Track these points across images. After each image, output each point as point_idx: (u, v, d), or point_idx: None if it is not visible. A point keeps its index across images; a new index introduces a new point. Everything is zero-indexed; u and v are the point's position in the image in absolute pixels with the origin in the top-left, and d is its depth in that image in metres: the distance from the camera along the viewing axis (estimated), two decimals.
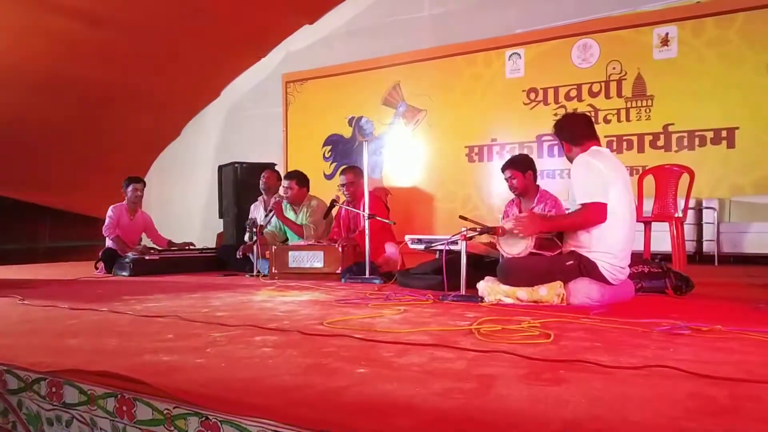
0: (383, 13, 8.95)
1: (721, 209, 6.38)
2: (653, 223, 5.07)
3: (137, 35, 8.23)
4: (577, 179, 3.22)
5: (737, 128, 6.46)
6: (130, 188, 6.03)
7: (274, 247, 4.89)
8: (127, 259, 5.42)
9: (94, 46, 8.08)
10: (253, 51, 10.11)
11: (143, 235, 6.35)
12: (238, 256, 5.52)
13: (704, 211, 6.37)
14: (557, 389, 1.52)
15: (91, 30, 7.77)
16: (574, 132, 3.39)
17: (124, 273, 5.38)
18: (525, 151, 7.32)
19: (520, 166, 4.30)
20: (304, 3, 9.15)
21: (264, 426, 1.33)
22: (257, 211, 5.94)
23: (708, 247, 6.31)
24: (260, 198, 6.00)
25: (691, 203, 5.72)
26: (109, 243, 5.94)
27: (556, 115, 6.97)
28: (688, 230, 6.09)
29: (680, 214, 4.99)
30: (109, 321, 2.73)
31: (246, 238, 5.45)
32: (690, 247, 6.10)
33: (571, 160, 3.42)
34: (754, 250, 6.08)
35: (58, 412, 1.72)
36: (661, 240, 5.12)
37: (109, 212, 5.98)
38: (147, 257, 5.52)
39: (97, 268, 5.94)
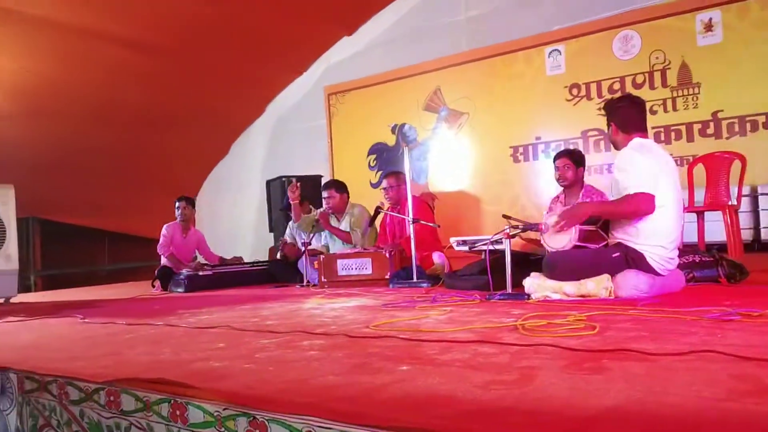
0: (420, 20, 8.99)
1: None
2: (706, 213, 4.95)
3: (182, 59, 8.46)
4: (623, 173, 3.18)
5: None
6: (176, 207, 6.23)
7: (322, 257, 4.97)
8: (181, 276, 5.58)
9: (142, 72, 8.35)
10: (294, 66, 10.27)
11: (196, 252, 6.52)
12: (278, 257, 5.65)
13: (760, 197, 6.17)
14: (599, 377, 1.52)
15: (138, 57, 8.03)
16: (627, 119, 3.34)
17: (179, 289, 5.54)
18: (570, 148, 7.24)
19: (576, 158, 4.30)
20: (341, 15, 9.26)
21: (309, 423, 1.37)
22: (290, 230, 6.10)
23: (766, 234, 6.11)
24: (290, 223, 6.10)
25: (746, 190, 5.55)
26: (164, 261, 6.12)
27: (599, 110, 6.87)
28: (744, 218, 5.90)
29: (734, 202, 4.86)
30: (163, 334, 2.82)
31: (278, 256, 5.59)
32: (747, 235, 5.92)
33: (615, 143, 3.40)
34: None
35: (117, 420, 1.80)
36: (716, 229, 4.99)
37: (163, 231, 6.17)
38: (201, 273, 5.67)
39: (153, 286, 6.13)
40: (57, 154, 8.88)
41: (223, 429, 1.53)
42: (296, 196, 5.37)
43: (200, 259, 6.55)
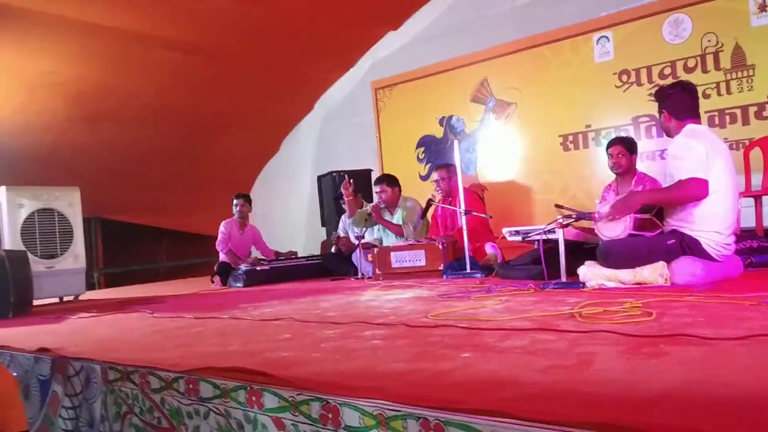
0: (465, 11, 8.99)
1: None
2: (764, 197, 4.86)
3: (232, 61, 8.66)
4: (676, 159, 3.18)
5: None
6: (234, 204, 6.42)
7: (376, 250, 5.07)
8: (240, 271, 5.76)
9: (194, 75, 8.58)
10: (341, 62, 10.38)
11: (253, 248, 6.70)
12: (333, 251, 5.77)
13: None
14: (657, 361, 1.57)
15: (191, 60, 8.25)
16: (679, 105, 3.33)
17: (238, 284, 5.72)
18: (621, 135, 7.16)
19: (629, 145, 4.30)
20: (387, 11, 9.32)
21: (379, 405, 1.45)
22: (343, 224, 6.22)
23: None
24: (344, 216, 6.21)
25: None
26: (222, 257, 6.32)
27: (650, 95, 6.78)
28: None
29: None
30: (230, 326, 2.96)
31: (332, 250, 5.72)
32: None
33: (667, 130, 3.39)
34: None
35: (196, 406, 1.92)
36: None
37: (221, 228, 6.37)
38: (258, 268, 5.84)
39: (213, 282, 6.33)
40: (116, 157, 9.20)
41: (297, 413, 1.63)
42: (350, 193, 5.48)
43: (256, 254, 6.73)
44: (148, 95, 8.54)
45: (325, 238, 8.66)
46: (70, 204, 6.02)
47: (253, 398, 1.74)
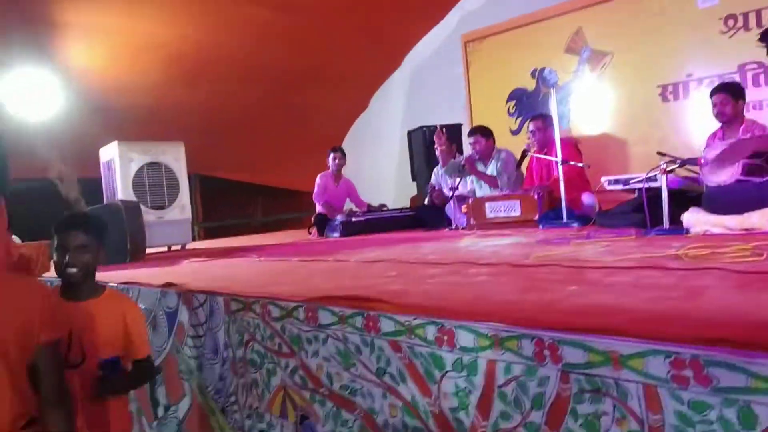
0: None
1: None
2: None
3: (322, 18, 8.77)
4: None
5: None
6: (331, 157, 6.59)
7: (471, 200, 5.12)
8: (336, 222, 5.95)
9: (286, 32, 8.74)
10: (429, 16, 10.31)
11: (347, 200, 6.89)
12: (426, 203, 5.85)
13: None
14: None
15: (282, 17, 8.41)
16: None
17: (335, 234, 5.91)
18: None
19: (734, 92, 4.14)
20: None
21: (494, 327, 1.53)
22: (436, 176, 6.26)
23: None
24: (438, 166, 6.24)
25: None
26: (319, 208, 6.53)
27: (760, 39, 6.43)
28: None
29: None
30: (336, 267, 3.10)
31: (425, 202, 5.78)
32: None
33: None
34: None
35: (315, 332, 2.06)
36: None
37: (318, 180, 6.59)
38: (354, 219, 6.02)
39: (310, 233, 6.57)
40: (213, 115, 9.56)
41: (413, 336, 1.74)
42: (443, 142, 5.52)
43: (350, 206, 6.92)
44: (242, 53, 8.79)
45: (415, 193, 8.75)
46: (175, 158, 6.34)
47: (370, 324, 1.86)
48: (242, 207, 13.25)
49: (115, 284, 3.15)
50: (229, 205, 12.91)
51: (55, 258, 2.30)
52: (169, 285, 2.82)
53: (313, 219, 6.53)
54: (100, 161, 6.43)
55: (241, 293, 2.42)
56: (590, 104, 8.47)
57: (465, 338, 1.59)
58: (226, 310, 2.48)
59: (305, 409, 2.16)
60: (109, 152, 6.19)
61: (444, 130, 5.64)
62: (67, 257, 2.25)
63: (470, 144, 5.68)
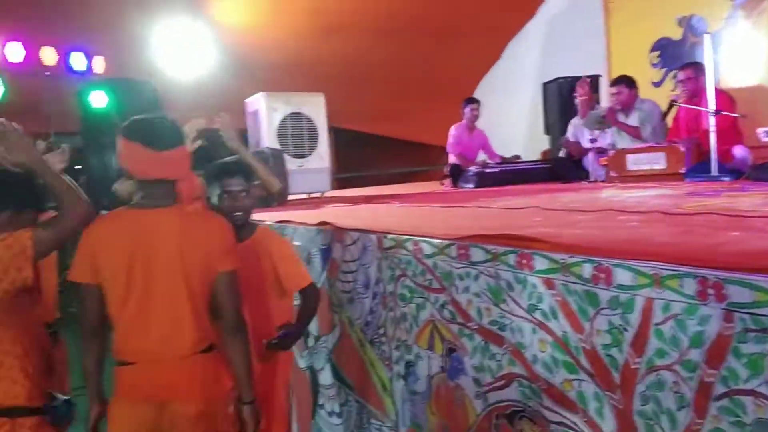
0: None
1: None
2: None
3: None
4: None
5: None
6: (467, 108, 6.60)
7: (611, 152, 4.99)
8: (470, 173, 5.99)
9: None
10: None
11: (480, 152, 6.90)
12: (561, 155, 5.75)
13: None
14: None
15: None
16: None
17: (468, 185, 5.96)
18: None
19: None
20: None
21: (656, 267, 1.54)
22: (573, 128, 6.11)
23: None
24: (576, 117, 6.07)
25: None
26: (452, 159, 6.60)
27: None
28: None
29: None
30: (480, 213, 3.18)
31: (561, 154, 5.67)
32: None
33: None
34: None
35: (467, 269, 2.15)
36: None
37: (452, 131, 6.64)
38: (488, 170, 6.03)
39: (442, 184, 6.66)
40: (349, 67, 9.78)
41: (568, 274, 1.78)
42: (585, 92, 5.39)
43: (483, 158, 6.92)
44: (380, 5, 8.88)
45: (547, 147, 8.59)
46: (316, 109, 6.60)
47: (523, 261, 1.92)
48: (372, 159, 13.54)
49: (271, 223, 3.40)
50: (360, 158, 13.24)
51: (217, 202, 2.50)
52: (323, 224, 3.01)
53: (446, 170, 6.60)
54: (246, 112, 6.80)
55: (393, 231, 2.55)
56: (743, 53, 7.90)
57: (623, 276, 1.62)
58: (379, 247, 2.63)
59: (453, 343, 2.28)
60: (255, 103, 6.53)
61: (589, 79, 5.49)
62: (231, 201, 2.46)
63: (612, 94, 5.50)
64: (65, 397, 2.24)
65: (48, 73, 6.65)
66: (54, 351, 2.40)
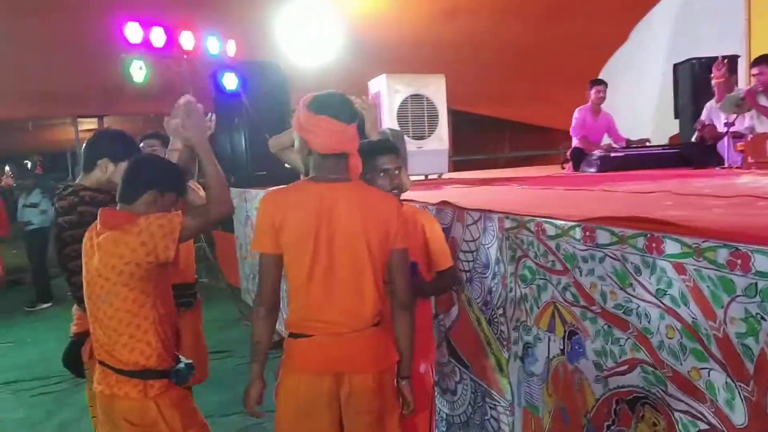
0: None
1: None
2: None
3: None
4: None
5: None
6: (593, 90, 6.40)
7: (749, 136, 4.70)
8: (594, 157, 5.81)
9: None
10: None
11: (605, 135, 6.68)
12: (694, 140, 5.48)
13: None
14: None
15: None
16: None
17: (591, 170, 5.79)
18: None
19: None
20: None
21: None
22: (708, 111, 5.78)
23: None
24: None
25: None
26: (575, 143, 6.43)
27: None
28: None
29: None
30: (606, 196, 3.10)
31: (693, 138, 5.38)
32: None
33: None
34: None
35: (592, 251, 2.12)
36: None
37: (575, 114, 6.46)
38: (612, 154, 5.83)
39: (563, 168, 6.51)
40: (470, 48, 9.71)
41: (701, 259, 1.72)
42: (722, 74, 5.10)
43: (608, 141, 6.70)
44: None
45: (677, 131, 8.17)
46: (437, 90, 6.61)
47: (653, 245, 1.87)
48: (489, 142, 13.42)
49: None
50: (477, 140, 13.15)
51: (373, 180, 2.51)
52: (444, 203, 3.05)
53: (568, 153, 6.45)
54: (369, 93, 6.92)
55: (516, 212, 2.54)
56: None
57: (762, 263, 1.55)
58: (500, 227, 2.63)
59: (574, 325, 2.26)
60: (377, 84, 6.63)
61: (726, 60, 5.19)
62: (387, 179, 2.50)
63: (753, 75, 5.16)
64: (188, 361, 2.39)
65: (186, 57, 7.05)
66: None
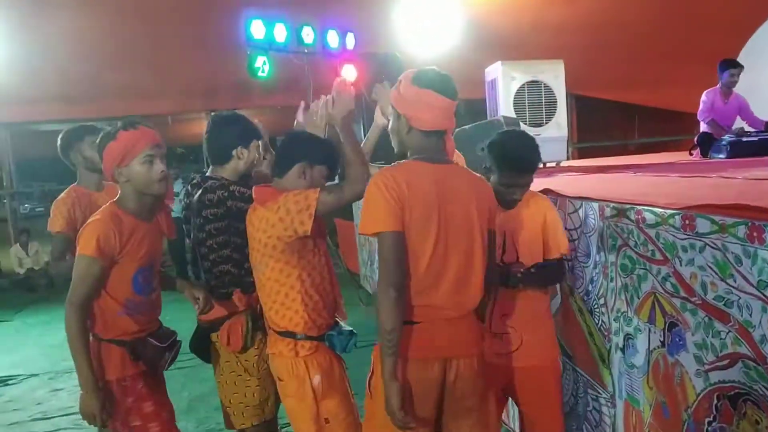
0: None
1: None
2: None
3: None
4: None
5: None
6: (725, 73, 5.99)
7: None
8: (723, 142, 5.46)
9: None
10: None
11: (737, 119, 6.24)
12: None
13: None
14: None
15: None
16: None
17: (720, 155, 5.44)
18: None
19: None
20: None
21: None
22: None
23: None
24: None
25: None
26: (703, 127, 6.05)
27: None
28: None
29: None
30: (720, 183, 2.95)
31: None
32: None
33: None
34: None
35: (692, 240, 2.04)
36: None
37: (703, 97, 6.08)
38: (744, 139, 5.45)
39: (691, 154, 6.16)
40: (593, 31, 9.32)
41: None
42: None
43: (742, 125, 6.26)
44: None
45: None
46: (555, 76, 6.45)
47: (754, 234, 1.77)
48: (616, 128, 12.90)
49: None
50: (603, 126, 12.68)
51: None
52: (546, 191, 3.01)
53: (696, 139, 6.09)
54: (485, 80, 6.87)
55: (616, 199, 2.48)
56: None
57: None
58: (601, 215, 2.58)
59: (675, 317, 2.18)
60: (493, 72, 6.58)
61: None
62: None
63: None
64: (348, 329, 2.47)
65: (306, 51, 7.30)
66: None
